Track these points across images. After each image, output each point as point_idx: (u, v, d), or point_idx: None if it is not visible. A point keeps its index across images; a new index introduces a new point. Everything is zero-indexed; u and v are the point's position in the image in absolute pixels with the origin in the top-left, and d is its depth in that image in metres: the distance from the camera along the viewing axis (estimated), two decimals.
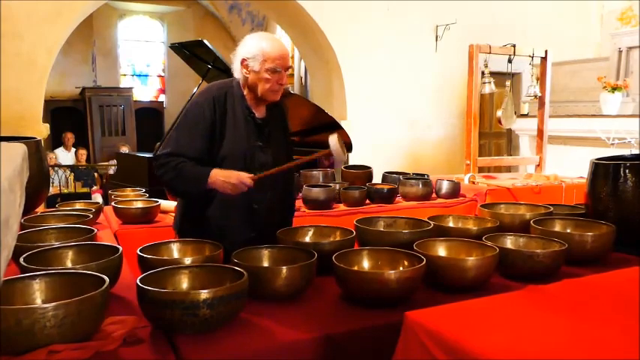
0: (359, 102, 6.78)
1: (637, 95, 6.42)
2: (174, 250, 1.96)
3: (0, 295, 1.28)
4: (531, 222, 2.26)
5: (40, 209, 3.04)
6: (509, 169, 7.14)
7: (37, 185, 2.65)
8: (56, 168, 7.79)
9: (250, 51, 2.08)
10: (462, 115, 6.01)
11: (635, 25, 7.65)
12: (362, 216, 2.58)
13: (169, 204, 3.22)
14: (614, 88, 6.27)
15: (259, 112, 2.20)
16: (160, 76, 12.61)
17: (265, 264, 1.85)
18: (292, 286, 1.65)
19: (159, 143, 5.25)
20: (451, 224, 2.42)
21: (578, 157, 5.03)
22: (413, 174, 4.24)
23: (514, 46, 4.75)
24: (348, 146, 4.50)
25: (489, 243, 1.93)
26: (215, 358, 1.31)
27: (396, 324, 1.33)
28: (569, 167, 5.33)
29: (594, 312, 1.31)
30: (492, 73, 4.92)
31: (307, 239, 2.16)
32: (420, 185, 3.77)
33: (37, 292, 1.43)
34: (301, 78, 9.43)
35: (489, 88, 4.91)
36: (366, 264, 1.85)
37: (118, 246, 1.82)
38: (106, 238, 2.55)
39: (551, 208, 2.56)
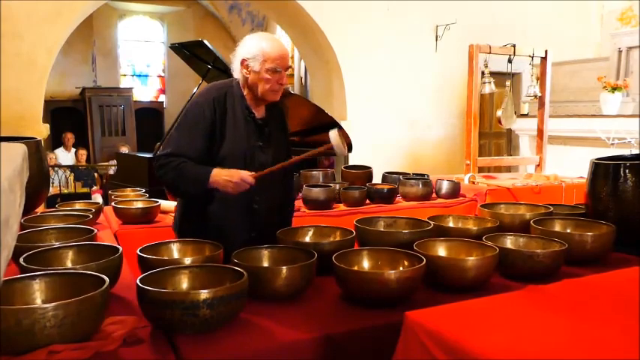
0: (359, 102, 6.78)
1: (637, 95, 6.42)
2: (174, 251, 1.96)
3: (0, 295, 1.28)
4: (531, 222, 2.26)
5: (40, 209, 3.04)
6: (509, 169, 7.14)
7: (37, 185, 2.65)
8: (56, 168, 7.79)
9: (250, 51, 2.08)
10: (462, 115, 6.01)
11: (635, 25, 7.65)
12: (362, 216, 2.58)
13: (169, 204, 3.22)
14: (614, 88, 6.27)
15: (259, 112, 2.20)
16: (160, 76, 12.61)
17: (265, 264, 1.85)
18: (292, 286, 1.65)
19: (159, 143, 5.25)
20: (451, 224, 2.42)
21: (578, 157, 5.03)
22: (413, 174, 4.24)
23: (514, 46, 4.75)
24: (348, 146, 4.51)
25: (489, 243, 1.93)
26: (215, 358, 1.31)
27: (396, 324, 1.33)
28: (569, 167, 5.33)
29: (594, 312, 1.31)
30: (492, 73, 4.92)
31: (307, 239, 2.16)
32: (420, 185, 3.77)
33: (37, 292, 1.43)
34: (301, 78, 9.44)
35: (489, 88, 4.91)
36: (366, 264, 1.85)
37: (118, 246, 1.82)
38: (106, 238, 2.55)
39: (551, 208, 2.56)
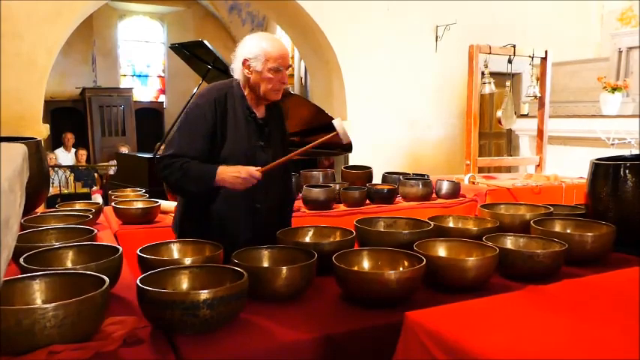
0: (359, 102, 6.78)
1: (637, 95, 6.42)
2: (175, 251, 1.96)
3: (0, 295, 1.28)
4: (531, 222, 2.26)
5: (40, 210, 3.04)
6: (509, 169, 7.14)
7: (37, 185, 2.65)
8: (56, 168, 7.79)
9: (252, 51, 2.09)
10: (462, 115, 6.01)
11: (635, 26, 7.65)
12: (362, 216, 2.58)
13: (169, 204, 3.22)
14: (614, 89, 6.27)
15: (259, 112, 2.21)
16: (160, 76, 12.61)
17: (265, 264, 1.85)
18: (292, 287, 1.65)
19: (159, 143, 5.25)
20: (451, 224, 2.42)
21: (578, 158, 5.03)
22: (413, 174, 4.24)
23: (514, 46, 4.75)
24: (348, 146, 4.51)
25: (489, 243, 1.93)
26: (215, 358, 1.31)
27: (396, 324, 1.33)
28: (569, 167, 5.33)
29: (594, 312, 1.31)
30: (492, 74, 4.92)
31: (307, 239, 2.16)
32: (420, 185, 3.77)
33: (37, 293, 1.43)
34: (301, 78, 9.44)
35: (489, 88, 4.91)
36: (366, 264, 1.85)
37: (118, 246, 1.82)
38: (106, 238, 2.55)
39: (551, 209, 2.56)
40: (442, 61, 7.19)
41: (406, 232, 2.16)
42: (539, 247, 2.00)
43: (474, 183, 4.49)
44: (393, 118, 7.01)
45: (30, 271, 1.52)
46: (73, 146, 9.66)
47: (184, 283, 1.61)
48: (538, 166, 5.19)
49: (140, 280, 1.47)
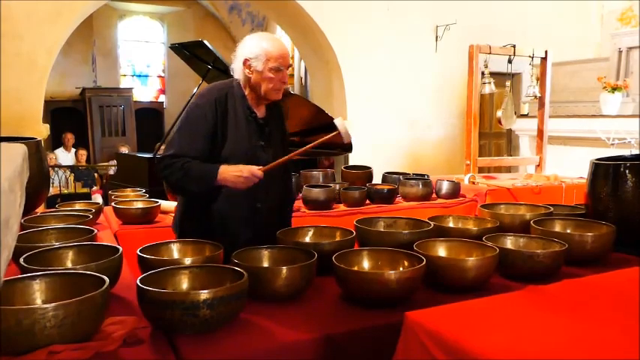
0: (359, 102, 6.78)
1: (637, 95, 6.42)
2: (175, 251, 1.96)
3: (0, 295, 1.28)
4: (531, 222, 2.26)
5: (40, 210, 3.04)
6: (509, 169, 7.14)
7: (37, 186, 2.65)
8: (56, 168, 7.79)
9: (253, 51, 2.09)
10: (462, 115, 6.01)
11: (635, 26, 7.65)
12: (362, 216, 2.58)
13: (169, 204, 3.22)
14: (614, 89, 6.27)
15: (260, 112, 2.22)
16: (160, 76, 12.61)
17: (265, 264, 1.85)
18: (292, 287, 1.65)
19: (159, 144, 5.25)
20: (451, 224, 2.42)
21: (578, 158, 5.03)
22: (413, 174, 4.24)
23: (514, 46, 4.75)
24: (348, 146, 4.51)
25: (489, 243, 1.93)
26: (215, 358, 1.31)
27: (396, 324, 1.33)
28: (569, 167, 5.33)
29: (594, 312, 1.31)
30: (492, 74, 4.92)
31: (307, 239, 2.16)
32: (420, 185, 3.77)
33: (37, 293, 1.43)
34: (301, 78, 9.44)
35: (489, 88, 4.91)
36: (366, 264, 1.85)
37: (118, 246, 1.82)
38: (106, 238, 2.55)
39: (551, 209, 2.56)
40: (442, 61, 7.19)
41: (406, 232, 2.16)
42: (539, 247, 2.00)
43: (474, 183, 4.49)
44: (393, 118, 7.01)
45: (30, 271, 1.52)
46: (73, 146, 9.66)
47: (184, 283, 1.61)
48: (538, 166, 5.19)
49: (140, 280, 1.47)
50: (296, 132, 4.36)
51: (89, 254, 1.80)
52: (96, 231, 2.16)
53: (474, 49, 4.69)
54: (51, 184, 6.61)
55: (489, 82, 4.89)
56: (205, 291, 1.38)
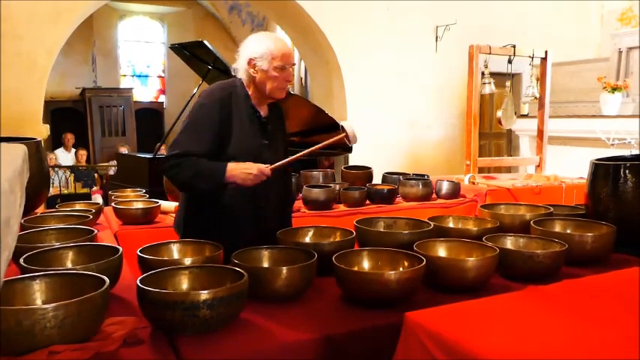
0: (359, 102, 6.78)
1: (637, 96, 6.42)
2: (175, 251, 1.96)
3: (0, 295, 1.28)
4: (531, 222, 2.26)
5: (40, 210, 3.04)
6: (509, 169, 7.14)
7: (37, 186, 2.65)
8: (56, 169, 7.79)
9: (257, 50, 2.10)
10: (462, 115, 6.01)
11: (635, 26, 7.65)
12: (362, 216, 2.58)
13: (169, 205, 3.22)
14: (614, 89, 6.27)
15: (263, 111, 2.23)
16: (160, 76, 12.62)
17: (265, 265, 1.85)
18: (292, 287, 1.65)
19: (159, 144, 5.25)
20: (451, 225, 2.41)
21: (578, 158, 5.03)
22: (413, 174, 4.24)
23: (514, 46, 4.75)
24: (348, 146, 4.51)
25: (489, 243, 1.93)
26: (215, 358, 1.31)
27: (396, 324, 1.33)
28: (569, 168, 5.33)
29: (594, 312, 1.31)
30: (492, 74, 4.92)
31: (307, 240, 2.17)
32: (420, 186, 3.77)
33: (38, 293, 1.43)
34: (301, 78, 9.43)
35: (489, 88, 4.91)
36: (366, 265, 1.85)
37: (118, 247, 1.82)
38: (106, 238, 2.55)
39: (552, 209, 2.56)
40: (442, 61, 7.19)
41: (406, 232, 2.16)
42: (539, 247, 2.00)
43: (474, 183, 4.49)
44: (393, 118, 7.00)
45: (30, 271, 1.52)
46: (73, 146, 9.66)
47: (184, 284, 1.61)
48: (538, 166, 5.19)
49: (140, 280, 1.47)
50: (296, 132, 4.36)
51: (89, 254, 1.80)
52: (96, 231, 2.16)
53: (474, 49, 4.69)
54: (51, 185, 6.61)
55: (489, 83, 4.89)
56: (205, 291, 1.38)
